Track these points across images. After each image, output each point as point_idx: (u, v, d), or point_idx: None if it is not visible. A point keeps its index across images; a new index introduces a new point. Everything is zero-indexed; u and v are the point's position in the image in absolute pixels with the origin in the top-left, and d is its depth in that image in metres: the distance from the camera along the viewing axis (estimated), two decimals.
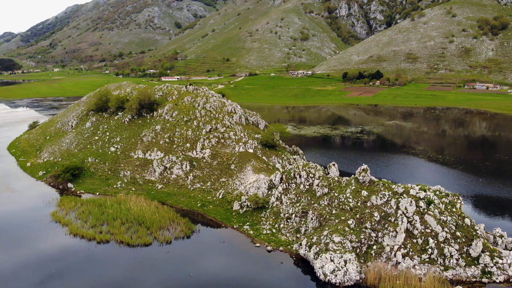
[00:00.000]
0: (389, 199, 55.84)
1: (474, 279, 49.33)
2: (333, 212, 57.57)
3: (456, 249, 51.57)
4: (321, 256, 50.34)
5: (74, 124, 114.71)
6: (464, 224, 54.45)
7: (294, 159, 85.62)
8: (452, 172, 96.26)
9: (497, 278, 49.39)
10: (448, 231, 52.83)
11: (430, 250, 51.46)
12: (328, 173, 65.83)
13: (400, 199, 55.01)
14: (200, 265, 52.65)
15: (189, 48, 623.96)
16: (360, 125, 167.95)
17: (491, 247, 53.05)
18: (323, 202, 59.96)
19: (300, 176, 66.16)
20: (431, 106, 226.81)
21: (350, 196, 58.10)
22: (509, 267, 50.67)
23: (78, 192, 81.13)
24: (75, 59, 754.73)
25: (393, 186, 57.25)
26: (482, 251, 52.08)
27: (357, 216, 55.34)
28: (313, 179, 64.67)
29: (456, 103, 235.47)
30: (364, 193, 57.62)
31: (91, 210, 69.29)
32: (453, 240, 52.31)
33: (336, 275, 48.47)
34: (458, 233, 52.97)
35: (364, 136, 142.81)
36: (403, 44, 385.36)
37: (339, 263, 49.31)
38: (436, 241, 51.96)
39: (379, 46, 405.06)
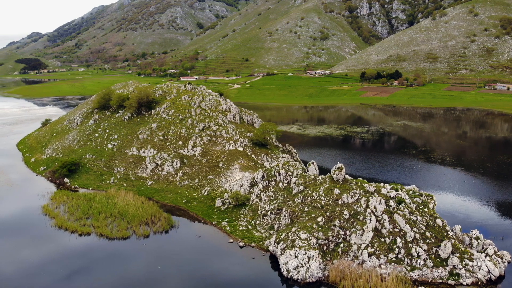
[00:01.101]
0: (359, 197, 55.86)
1: (440, 281, 48.82)
2: (305, 209, 58.00)
3: (424, 250, 51.16)
4: (285, 252, 50.94)
5: (79, 122, 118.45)
6: (435, 225, 53.92)
7: (284, 157, 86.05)
8: (447, 171, 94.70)
9: (464, 281, 48.69)
10: (417, 231, 52.44)
11: (397, 249, 51.24)
12: (307, 171, 66.17)
13: (370, 197, 54.93)
14: (171, 259, 54.09)
15: (210, 49, 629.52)
16: (367, 125, 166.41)
17: (462, 248, 52.34)
18: (297, 199, 60.46)
19: (279, 174, 66.78)
20: (446, 106, 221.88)
21: (323, 194, 58.38)
22: (479, 270, 49.88)
23: (73, 187, 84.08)
24: (99, 59, 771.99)
25: (365, 185, 57.18)
26: (452, 253, 51.46)
27: (327, 213, 55.61)
28: (291, 177, 65.18)
29: (473, 104, 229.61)
30: (337, 191, 57.79)
31: (80, 204, 71.77)
32: (422, 241, 51.90)
33: (298, 272, 48.96)
34: (427, 234, 52.52)
35: (368, 136, 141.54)
36: (424, 44, 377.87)
37: (302, 260, 49.77)
38: (404, 241, 51.68)
39: (399, 45, 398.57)
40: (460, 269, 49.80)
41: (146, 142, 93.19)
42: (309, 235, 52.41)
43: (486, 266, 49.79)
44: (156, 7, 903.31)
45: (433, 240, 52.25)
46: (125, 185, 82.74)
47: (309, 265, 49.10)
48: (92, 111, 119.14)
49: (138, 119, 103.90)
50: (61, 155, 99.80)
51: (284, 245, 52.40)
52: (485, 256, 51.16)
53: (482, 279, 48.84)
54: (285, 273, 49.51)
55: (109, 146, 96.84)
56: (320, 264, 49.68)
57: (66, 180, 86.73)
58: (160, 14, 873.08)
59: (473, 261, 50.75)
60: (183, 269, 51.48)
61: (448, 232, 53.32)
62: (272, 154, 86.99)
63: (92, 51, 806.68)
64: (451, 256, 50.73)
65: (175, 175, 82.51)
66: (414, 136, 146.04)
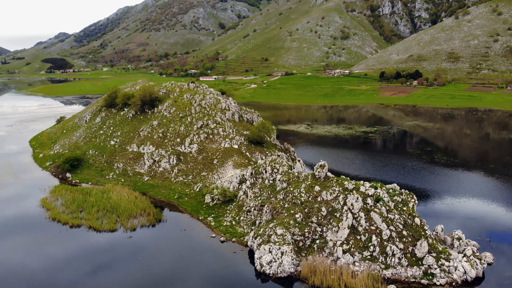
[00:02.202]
0: (338, 194, 56.01)
1: (413, 280, 48.51)
2: (286, 205, 58.55)
3: (400, 248, 50.94)
4: (260, 247, 51.69)
5: (88, 119, 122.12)
6: (413, 224, 53.56)
7: (278, 155, 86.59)
8: (448, 173, 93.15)
9: (438, 281, 48.20)
10: (394, 229, 52.23)
11: (372, 247, 51.21)
12: (293, 169, 66.66)
13: (348, 195, 55.02)
14: (151, 251, 55.63)
15: (230, 49, 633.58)
16: (377, 125, 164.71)
17: (440, 248, 51.83)
18: (279, 196, 61.09)
19: (265, 171, 67.51)
20: (464, 107, 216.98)
21: (303, 191, 58.79)
22: (455, 270, 49.31)
23: (74, 181, 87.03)
24: (123, 59, 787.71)
25: (345, 183, 57.25)
26: (429, 252, 51.05)
27: (306, 210, 56.01)
28: (277, 174, 65.81)
29: (493, 104, 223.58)
30: (317, 188, 58.11)
31: (76, 198, 74.33)
32: (398, 239, 51.67)
33: (271, 266, 49.62)
34: (404, 232, 52.24)
35: (375, 136, 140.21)
36: (445, 43, 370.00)
37: (276, 255, 50.40)
38: (379, 239, 51.58)
39: (420, 45, 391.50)
40: (435, 269, 49.35)
41: (146, 139, 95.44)
42: (285, 230, 52.99)
43: (463, 267, 49.14)
44: (179, 7, 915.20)
45: (410, 239, 51.93)
46: (123, 180, 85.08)
47: (282, 260, 49.70)
48: (101, 109, 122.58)
49: (141, 117, 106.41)
50: (67, 151, 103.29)
51: (261, 240, 53.17)
52: (463, 257, 50.51)
53: (458, 280, 48.22)
54: (258, 267, 50.27)
55: (112, 142, 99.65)
56: (292, 259, 50.16)
57: (68, 175, 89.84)
58: (182, 14, 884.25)
59: (449, 261, 50.21)
60: (161, 261, 52.90)
61: (426, 232, 52.88)
62: (267, 152, 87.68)
63: (117, 51, 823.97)
64: (427, 255, 50.34)
65: (171, 172, 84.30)
66: (422, 137, 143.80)
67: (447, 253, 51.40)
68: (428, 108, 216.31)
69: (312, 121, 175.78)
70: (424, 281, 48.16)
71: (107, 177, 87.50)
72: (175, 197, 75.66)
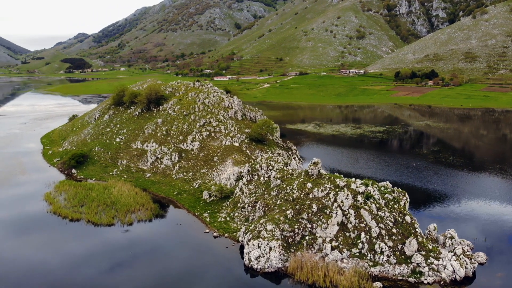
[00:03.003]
0: (329, 191, 56.16)
1: (400, 278, 48.35)
2: (278, 202, 59.00)
3: (389, 246, 50.83)
4: (250, 243, 52.27)
5: (97, 117, 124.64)
6: (403, 222, 53.34)
7: (279, 153, 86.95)
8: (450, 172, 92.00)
9: (426, 279, 47.93)
10: (383, 227, 52.13)
11: (361, 244, 51.24)
12: (289, 166, 66.98)
13: (339, 192, 55.12)
14: (144, 245, 56.77)
15: (245, 49, 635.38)
16: (386, 124, 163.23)
17: (430, 247, 51.51)
18: (273, 192, 61.53)
19: (261, 168, 68.03)
20: (479, 107, 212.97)
21: (296, 188, 59.13)
22: (444, 269, 48.95)
23: (78, 177, 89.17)
24: (140, 59, 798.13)
25: (337, 180, 57.34)
26: (418, 250, 50.80)
27: (297, 207, 56.34)
28: (271, 171, 66.26)
29: (508, 105, 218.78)
30: (309, 185, 58.35)
31: (78, 193, 76.19)
32: (387, 237, 51.56)
33: (259, 261, 50.15)
34: (394, 230, 52.09)
35: (383, 136, 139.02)
36: (462, 43, 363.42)
37: (264, 250, 50.91)
38: (368, 236, 51.56)
39: (437, 44, 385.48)
40: (424, 267, 49.09)
41: (150, 137, 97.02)
42: (274, 226, 53.45)
43: (451, 266, 48.75)
44: (196, 8, 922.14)
45: (400, 237, 51.76)
46: (125, 176, 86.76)
47: (269, 256, 50.17)
48: (109, 107, 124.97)
49: (147, 115, 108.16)
50: (74, 148, 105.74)
51: (251, 235, 53.74)
52: (452, 256, 50.09)
53: (446, 279, 47.87)
54: (247, 262, 50.87)
55: (117, 140, 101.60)
56: (280, 255, 50.59)
57: (73, 171, 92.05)
58: (199, 15, 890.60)
59: (439, 260, 49.86)
60: (153, 255, 53.97)
61: (416, 230, 52.59)
62: (267, 150, 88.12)
63: (134, 52, 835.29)
64: (416, 253, 50.11)
65: (172, 168, 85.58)
66: (431, 137, 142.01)
67: (437, 252, 51.06)
68: (442, 108, 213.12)
69: (321, 121, 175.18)
70: (411, 279, 47.96)
71: (111, 173, 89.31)
72: (174, 193, 76.83)
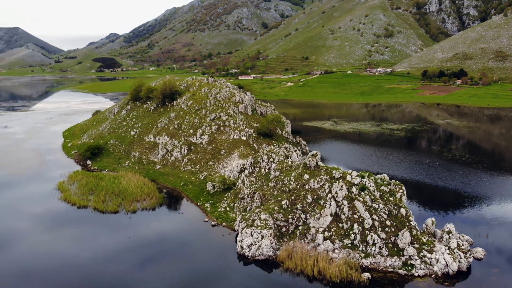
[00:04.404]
0: (324, 183, 56.24)
1: (391, 269, 48.00)
2: (275, 193, 59.55)
3: (382, 238, 50.53)
4: (243, 231, 53.11)
5: (115, 112, 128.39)
6: (398, 214, 52.85)
7: (286, 148, 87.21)
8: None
9: (417, 272, 47.40)
10: (377, 218, 51.83)
11: (353, 235, 51.16)
12: (289, 159, 67.35)
13: (334, 183, 55.13)
14: (143, 231, 58.58)
15: (271, 48, 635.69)
16: (406, 122, 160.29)
17: (424, 240, 50.86)
18: (271, 184, 62.12)
19: (262, 161, 68.71)
20: (507, 106, 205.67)
21: (293, 179, 59.52)
22: (437, 263, 48.24)
23: (92, 168, 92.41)
24: (169, 59, 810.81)
25: (333, 171, 57.32)
26: (411, 243, 50.26)
27: (292, 197, 56.74)
28: (272, 163, 66.82)
29: None
30: (306, 176, 58.61)
31: (89, 182, 79.04)
32: (380, 229, 51.24)
33: (250, 249, 50.94)
34: (388, 222, 51.70)
35: (401, 134, 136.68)
36: (493, 41, 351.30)
37: (256, 238, 51.63)
38: (361, 227, 51.40)
39: (466, 43, 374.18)
40: (416, 260, 48.57)
41: (162, 130, 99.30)
42: (268, 215, 54.06)
43: (444, 260, 48.01)
44: (224, 8, 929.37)
45: (393, 229, 51.33)
46: (137, 168, 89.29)
47: (261, 244, 50.84)
48: (128, 102, 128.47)
49: (162, 109, 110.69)
50: (92, 141, 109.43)
51: (245, 224, 54.56)
52: (446, 249, 49.28)
53: (438, 272, 47.20)
54: (239, 249, 51.76)
55: (132, 133, 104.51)
56: (272, 243, 51.18)
57: (88, 162, 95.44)
58: (227, 15, 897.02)
59: (432, 254, 49.20)
60: (149, 241, 55.66)
61: (411, 223, 52.02)
62: (275, 144, 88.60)
63: (163, 51, 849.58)
64: (408, 246, 49.60)
65: (181, 161, 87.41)
66: (450, 135, 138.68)
67: (431, 245, 50.38)
68: (470, 108, 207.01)
69: (340, 118, 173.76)
70: (402, 271, 47.57)
71: (123, 165, 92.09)
72: (181, 184, 78.58)
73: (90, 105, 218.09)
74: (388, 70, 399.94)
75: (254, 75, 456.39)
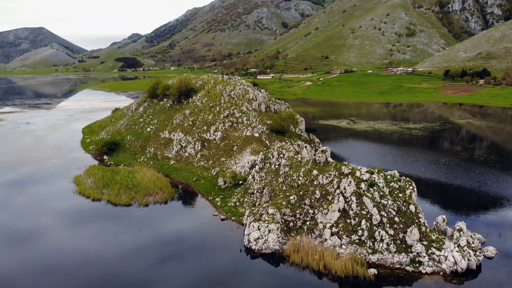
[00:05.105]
0: (333, 178, 56.11)
1: (398, 266, 47.55)
2: (283, 188, 59.72)
3: (390, 234, 50.11)
4: (250, 224, 53.50)
5: (133, 109, 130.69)
6: (407, 211, 52.28)
7: (298, 145, 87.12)
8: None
9: (424, 269, 46.79)
10: (385, 215, 51.41)
11: (360, 231, 50.90)
12: (299, 155, 67.39)
13: (343, 179, 54.94)
14: (154, 224, 59.65)
15: (291, 47, 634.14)
16: (425, 121, 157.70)
17: (433, 237, 50.18)
18: (280, 179, 62.31)
19: (273, 156, 68.96)
20: None
21: (302, 175, 59.56)
22: (445, 260, 47.57)
23: (109, 163, 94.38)
24: (190, 58, 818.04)
25: (343, 167, 57.10)
26: (420, 240, 49.68)
27: (301, 193, 56.80)
28: (282, 159, 66.99)
29: None
30: (315, 172, 58.58)
31: (105, 176, 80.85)
32: (388, 225, 50.83)
33: (257, 242, 51.29)
34: (396, 219, 51.22)
35: (419, 133, 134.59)
36: None
37: (263, 232, 51.95)
38: (369, 223, 51.09)
39: (490, 42, 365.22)
40: (424, 257, 47.98)
41: (177, 127, 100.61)
42: (276, 210, 54.30)
43: (453, 257, 47.29)
44: (244, 8, 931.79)
45: (402, 226, 50.84)
46: (151, 163, 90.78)
47: (267, 237, 51.14)
48: (145, 99, 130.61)
49: (177, 106, 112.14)
50: (109, 137, 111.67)
51: (253, 218, 54.95)
52: (455, 247, 48.51)
53: (446, 270, 46.51)
54: (246, 243, 52.19)
55: (148, 129, 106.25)
56: (278, 237, 51.41)
57: (105, 157, 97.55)
58: (247, 15, 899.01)
59: (441, 251, 48.53)
60: (160, 232, 56.68)
61: (420, 220, 51.41)
62: (287, 141, 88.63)
63: (184, 51, 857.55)
64: (417, 243, 49.05)
65: (195, 157, 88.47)
66: (469, 134, 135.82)
67: (441, 243, 49.69)
68: (490, 107, 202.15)
69: (357, 117, 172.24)
70: (409, 268, 47.07)
71: (138, 160, 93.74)
72: (193, 179, 79.54)
73: (110, 103, 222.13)
74: (409, 69, 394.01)
75: (272, 75, 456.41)
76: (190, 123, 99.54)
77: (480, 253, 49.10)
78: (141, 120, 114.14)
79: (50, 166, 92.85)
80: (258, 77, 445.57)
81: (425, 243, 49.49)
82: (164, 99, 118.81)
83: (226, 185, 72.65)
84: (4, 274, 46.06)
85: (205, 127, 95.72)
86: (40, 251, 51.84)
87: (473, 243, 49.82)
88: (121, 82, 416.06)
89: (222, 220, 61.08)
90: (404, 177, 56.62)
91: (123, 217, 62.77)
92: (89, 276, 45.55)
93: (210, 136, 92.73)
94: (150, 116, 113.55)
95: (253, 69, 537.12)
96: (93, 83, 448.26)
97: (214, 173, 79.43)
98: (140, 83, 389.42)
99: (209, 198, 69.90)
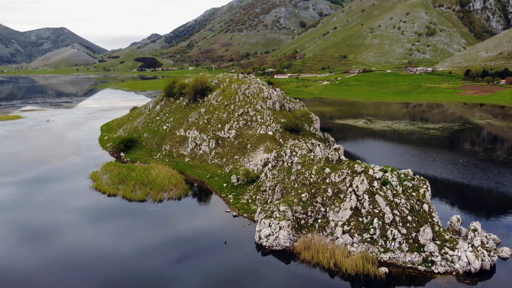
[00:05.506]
0: (346, 176, 55.84)
1: (410, 265, 47.04)
2: (295, 186, 59.74)
3: (402, 233, 49.61)
4: (261, 221, 53.72)
5: (150, 107, 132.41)
6: (421, 210, 51.68)
7: (312, 143, 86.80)
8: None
9: (437, 269, 46.21)
10: (398, 213, 50.92)
11: (372, 230, 50.54)
12: (312, 153, 67.26)
13: (355, 177, 54.64)
14: (167, 219, 60.46)
15: (309, 47, 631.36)
16: (443, 121, 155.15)
17: (446, 237, 49.48)
18: (292, 177, 62.34)
19: (285, 154, 69.01)
20: None
21: (314, 173, 59.46)
22: (458, 260, 46.88)
23: (125, 160, 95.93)
24: (208, 59, 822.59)
25: (356, 166, 56.75)
26: (433, 239, 49.06)
27: (312, 190, 56.72)
28: (294, 157, 66.98)
29: None
30: (327, 170, 58.40)
31: (121, 173, 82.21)
32: (401, 224, 50.33)
33: (268, 239, 51.49)
34: (409, 217, 50.68)
35: (436, 133, 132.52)
36: None
37: (274, 229, 52.10)
38: (381, 222, 50.69)
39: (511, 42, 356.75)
40: (437, 256, 47.36)
41: (192, 125, 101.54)
42: (287, 207, 54.37)
43: (466, 257, 46.55)
44: (262, 7, 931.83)
45: (414, 225, 50.28)
46: (167, 160, 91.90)
47: (278, 234, 51.27)
48: (162, 98, 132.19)
49: (193, 105, 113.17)
50: (127, 134, 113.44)
51: (264, 215, 55.14)
52: (469, 247, 47.72)
53: (459, 270, 45.84)
54: (257, 239, 52.45)
55: (164, 127, 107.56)
56: (289, 234, 51.49)
57: (122, 154, 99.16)
58: (265, 14, 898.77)
59: (454, 251, 47.84)
60: (173, 228, 57.42)
61: (434, 219, 50.76)
62: (301, 140, 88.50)
63: (202, 51, 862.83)
64: (430, 242, 48.44)
65: (209, 154, 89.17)
66: (489, 135, 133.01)
67: (454, 242, 48.96)
68: (511, 108, 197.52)
69: (374, 117, 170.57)
70: (421, 268, 46.54)
71: (154, 157, 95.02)
72: (207, 176, 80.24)
73: (129, 102, 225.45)
74: (429, 69, 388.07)
75: (289, 74, 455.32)
76: (205, 121, 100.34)
77: (494, 253, 48.22)
78: (158, 118, 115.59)
79: (68, 162, 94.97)
80: (275, 76, 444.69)
81: (438, 242, 48.84)
82: (180, 98, 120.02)
83: (239, 182, 73.05)
84: (26, 269, 46.83)
85: (219, 125, 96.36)
86: (60, 247, 52.39)
87: (487, 243, 48.93)
88: (140, 82, 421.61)
89: (234, 216, 61.50)
90: (418, 176, 55.95)
91: (138, 212, 63.72)
92: (107, 273, 45.93)
93: (224, 134, 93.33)
94: (167, 115, 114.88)
95: (270, 69, 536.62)
96: (113, 82, 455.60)
97: (227, 171, 79.95)
98: (159, 83, 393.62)
99: (222, 195, 70.42)
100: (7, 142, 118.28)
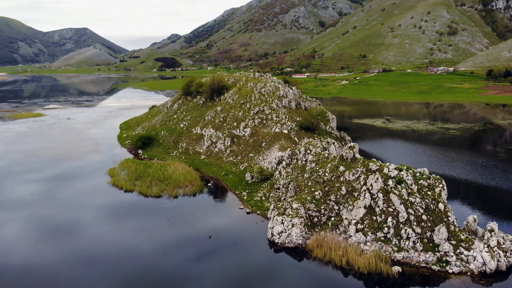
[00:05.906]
0: (360, 175, 55.48)
1: (424, 265, 46.47)
2: (309, 184, 59.65)
3: (417, 232, 49.05)
4: (274, 218, 53.88)
5: (168, 106, 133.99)
6: (436, 209, 50.96)
7: (327, 142, 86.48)
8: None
9: (451, 269, 45.52)
10: (412, 212, 50.36)
11: (386, 229, 50.12)
12: (326, 151, 67.04)
13: (370, 175, 54.24)
14: (182, 214, 61.28)
15: (328, 46, 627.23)
16: (464, 122, 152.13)
17: (462, 237, 48.66)
18: (306, 175, 62.27)
19: (300, 152, 68.97)
20: None
21: (328, 171, 59.24)
22: (474, 260, 46.09)
23: (143, 157, 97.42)
24: (226, 59, 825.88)
25: (370, 164, 56.31)
26: (448, 239, 48.34)
27: (326, 188, 56.56)
28: (309, 155, 66.87)
29: None
30: (341, 168, 58.12)
31: (138, 169, 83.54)
32: (416, 223, 49.75)
33: (280, 236, 51.62)
34: (424, 217, 50.05)
35: (456, 133, 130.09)
36: None
37: (287, 226, 52.19)
38: (395, 221, 50.22)
39: None
40: (451, 256, 46.66)
41: (209, 123, 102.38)
42: (300, 205, 54.37)
43: (482, 257, 45.74)
44: (281, 7, 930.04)
45: (429, 224, 49.63)
46: (183, 158, 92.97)
47: (291, 232, 51.35)
48: (180, 97, 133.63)
49: (210, 104, 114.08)
50: (145, 132, 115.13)
51: (277, 212, 55.29)
52: (485, 247, 46.84)
53: (474, 270, 45.06)
54: (269, 236, 52.65)
55: (181, 125, 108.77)
56: (302, 232, 51.49)
57: (139, 151, 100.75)
58: (284, 14, 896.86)
59: (469, 251, 47.03)
60: (187, 223, 58.15)
61: (449, 218, 49.98)
62: (316, 138, 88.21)
63: (221, 52, 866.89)
64: (445, 242, 47.74)
65: (224, 152, 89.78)
66: (510, 136, 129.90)
67: (470, 243, 48.13)
68: None
69: (393, 117, 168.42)
70: (435, 267, 45.93)
71: (171, 154, 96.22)
72: (222, 174, 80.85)
73: (148, 101, 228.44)
74: (450, 69, 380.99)
75: (308, 74, 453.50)
76: (221, 119, 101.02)
77: (511, 254, 47.21)
78: (175, 116, 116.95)
79: (87, 158, 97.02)
80: (293, 76, 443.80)
81: (453, 242, 48.10)
82: (198, 96, 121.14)
83: (253, 180, 73.37)
84: (47, 265, 47.66)
85: (235, 124, 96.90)
86: (80, 242, 52.84)
87: (504, 244, 47.93)
88: (160, 81, 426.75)
89: (248, 213, 61.85)
90: (434, 175, 55.16)
91: (153, 208, 64.69)
92: (128, 269, 46.15)
93: (239, 132, 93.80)
94: (184, 113, 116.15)
95: (288, 69, 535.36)
96: (133, 82, 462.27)
97: (242, 168, 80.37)
98: (178, 82, 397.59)
99: (236, 192, 70.87)
100: (29, 139, 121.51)
